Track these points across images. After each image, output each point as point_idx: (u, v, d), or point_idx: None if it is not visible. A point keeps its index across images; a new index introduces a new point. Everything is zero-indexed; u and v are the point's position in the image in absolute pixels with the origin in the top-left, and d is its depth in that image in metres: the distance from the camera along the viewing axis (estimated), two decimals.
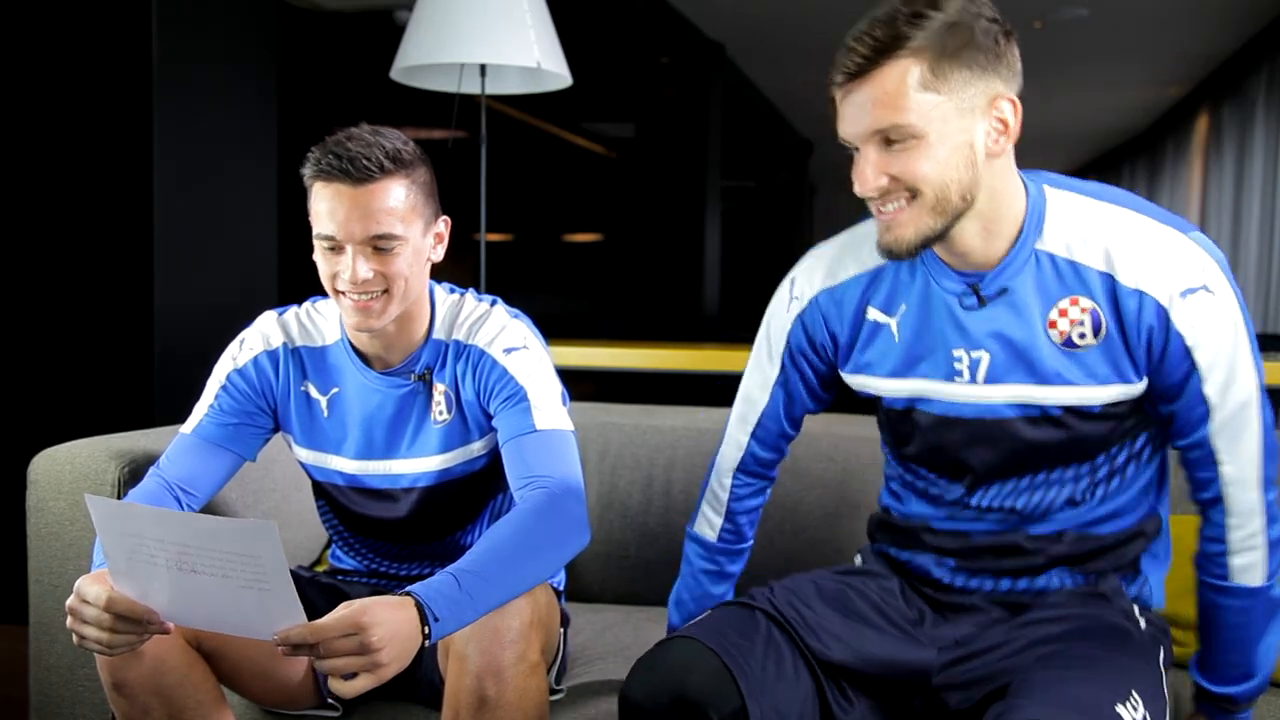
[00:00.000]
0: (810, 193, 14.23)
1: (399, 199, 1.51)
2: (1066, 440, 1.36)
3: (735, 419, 1.61)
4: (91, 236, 2.86)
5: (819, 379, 1.53)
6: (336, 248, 1.51)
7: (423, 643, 1.26)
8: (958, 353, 1.36)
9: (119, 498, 1.73)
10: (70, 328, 2.89)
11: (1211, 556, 1.39)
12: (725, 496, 1.62)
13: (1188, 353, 1.28)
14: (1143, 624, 1.43)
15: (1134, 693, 1.28)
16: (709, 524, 1.64)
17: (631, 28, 6.89)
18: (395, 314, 1.55)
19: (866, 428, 1.69)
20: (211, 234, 3.02)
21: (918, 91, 1.22)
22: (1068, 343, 1.32)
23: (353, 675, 1.22)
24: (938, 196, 1.25)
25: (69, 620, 1.31)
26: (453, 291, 1.69)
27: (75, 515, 1.77)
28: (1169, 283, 1.27)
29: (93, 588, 1.30)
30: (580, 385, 2.77)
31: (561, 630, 1.68)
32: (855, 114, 1.25)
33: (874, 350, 1.43)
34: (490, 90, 2.74)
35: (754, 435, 1.58)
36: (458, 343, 1.63)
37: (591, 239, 9.81)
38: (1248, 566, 1.35)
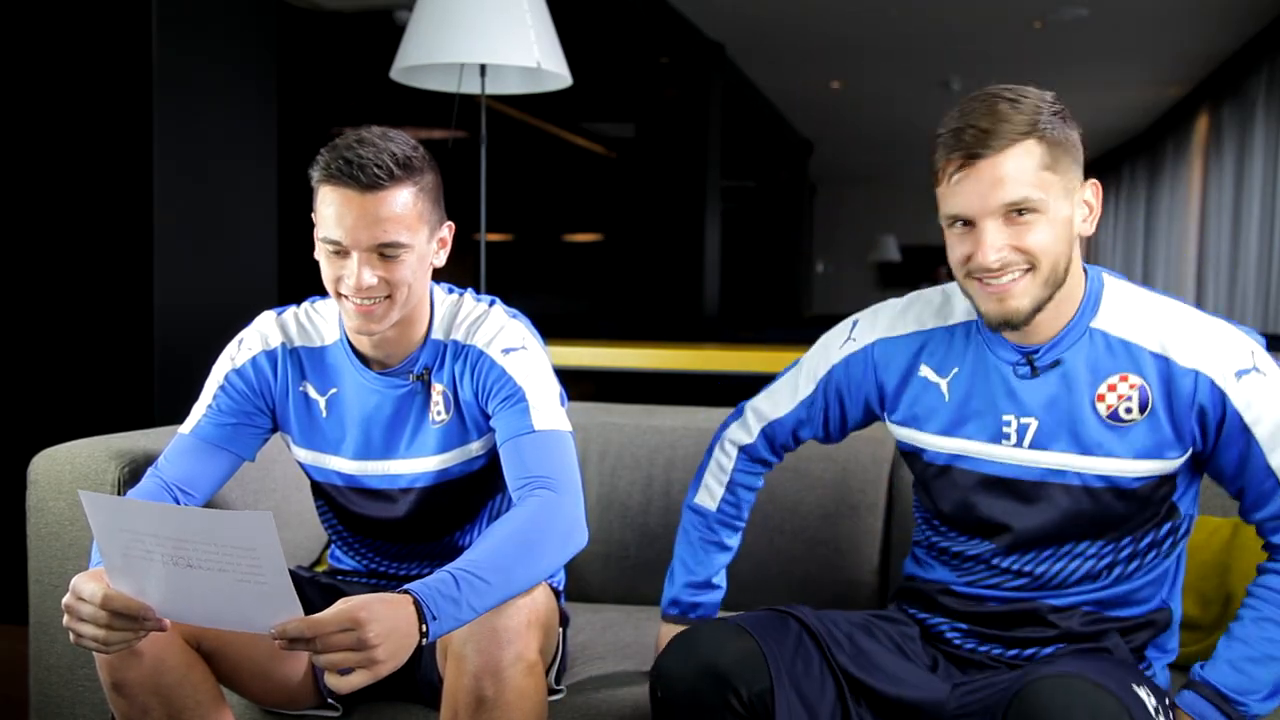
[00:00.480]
0: (810, 193, 14.23)
1: (406, 206, 1.50)
2: (1098, 513, 1.42)
3: (754, 407, 1.70)
4: (91, 236, 2.86)
5: (840, 418, 1.63)
6: (342, 252, 1.50)
7: (420, 641, 1.26)
8: (1007, 418, 1.44)
9: (118, 497, 1.73)
10: (70, 328, 2.89)
11: None
12: (730, 467, 1.69)
13: (1246, 429, 1.36)
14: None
15: (1146, 687, 1.33)
16: (710, 494, 1.70)
17: (631, 28, 6.89)
18: (396, 319, 1.55)
19: (866, 428, 1.69)
20: (211, 234, 3.02)
21: (1042, 170, 1.32)
22: (1113, 416, 1.40)
23: (349, 670, 1.22)
24: (1052, 268, 1.34)
25: (65, 619, 1.31)
26: (451, 291, 1.69)
27: (75, 515, 1.77)
28: (1223, 364, 1.36)
29: (89, 585, 1.30)
30: (580, 385, 2.77)
31: (561, 630, 1.67)
32: (982, 190, 1.31)
33: (922, 405, 1.51)
34: (490, 90, 2.74)
35: (763, 431, 1.67)
36: (456, 343, 1.63)
37: (591, 239, 9.81)
38: None
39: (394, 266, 1.51)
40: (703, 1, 6.61)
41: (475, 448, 1.65)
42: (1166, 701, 1.38)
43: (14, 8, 2.89)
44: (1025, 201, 1.31)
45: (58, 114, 2.87)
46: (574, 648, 1.81)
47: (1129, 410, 1.39)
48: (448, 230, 1.62)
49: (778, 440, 1.68)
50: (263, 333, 1.68)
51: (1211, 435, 1.38)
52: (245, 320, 1.72)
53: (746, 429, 1.69)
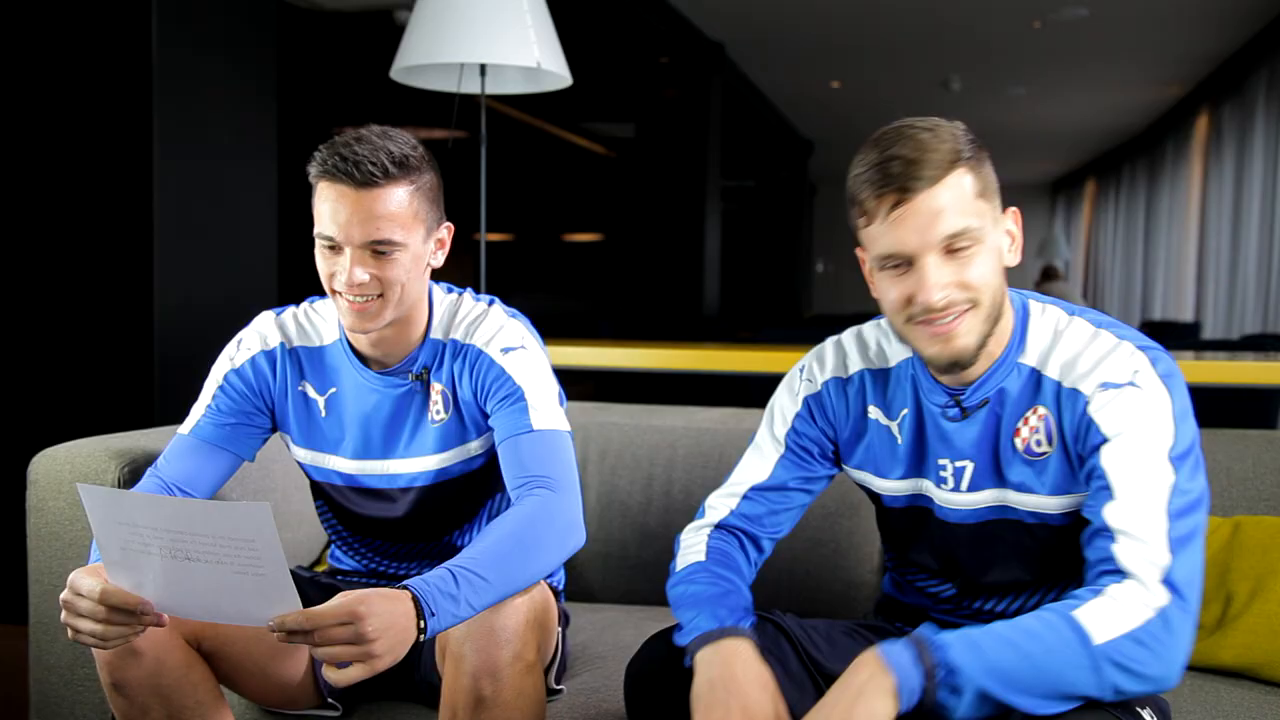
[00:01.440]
0: (810, 192, 14.24)
1: (401, 205, 1.50)
2: (1046, 551, 1.37)
3: (718, 493, 1.52)
4: (91, 237, 2.86)
5: (816, 463, 1.50)
6: (335, 248, 1.51)
7: (419, 637, 1.26)
8: (943, 462, 1.39)
9: None
10: (70, 328, 2.89)
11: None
12: (699, 543, 1.48)
13: (1100, 439, 1.25)
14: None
15: (1149, 708, 1.31)
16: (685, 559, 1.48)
17: (631, 28, 6.89)
18: (391, 318, 1.55)
19: None
20: (211, 234, 3.02)
21: (976, 198, 1.26)
22: (1028, 450, 1.33)
23: (347, 664, 1.22)
24: (992, 301, 1.28)
25: (63, 614, 1.31)
26: (451, 291, 1.69)
27: (75, 515, 1.77)
28: (1098, 379, 1.28)
29: (86, 580, 1.30)
30: (580, 385, 2.77)
31: (561, 630, 1.68)
32: (921, 224, 1.23)
33: (878, 450, 1.45)
34: (490, 90, 2.74)
35: (738, 509, 1.49)
36: (455, 342, 1.63)
37: (591, 239, 9.81)
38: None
39: (387, 264, 1.50)
40: (703, 1, 6.61)
41: (474, 447, 1.65)
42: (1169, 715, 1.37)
43: (14, 8, 2.89)
44: (966, 232, 1.24)
45: (58, 114, 2.87)
46: (574, 648, 1.81)
47: (1039, 444, 1.32)
48: (446, 231, 1.62)
49: (757, 516, 1.49)
50: (261, 333, 1.68)
51: (1085, 455, 1.28)
52: (245, 320, 1.72)
53: (714, 511, 1.51)
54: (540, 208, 9.22)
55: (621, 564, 2.17)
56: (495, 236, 8.18)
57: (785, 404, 1.50)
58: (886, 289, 1.29)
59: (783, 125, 10.88)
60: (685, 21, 7.00)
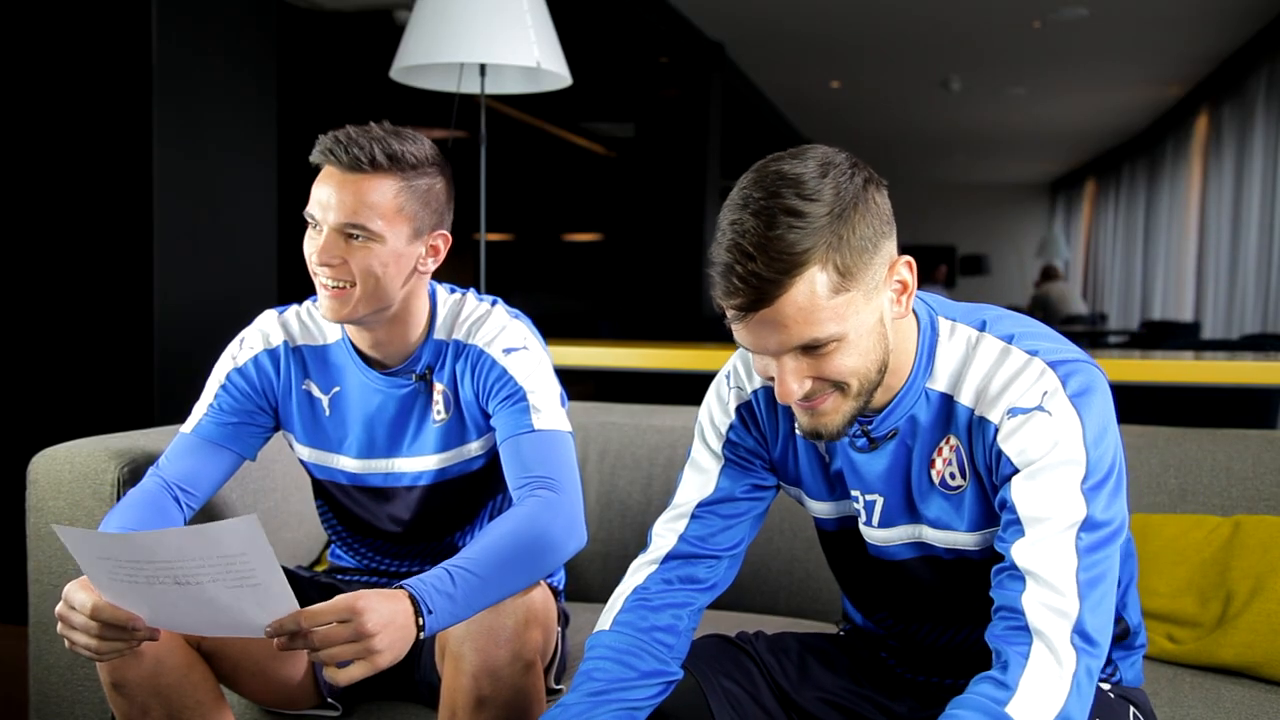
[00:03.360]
0: None
1: (384, 197, 1.50)
2: (970, 584, 1.29)
3: (663, 517, 1.41)
4: (91, 237, 2.86)
5: (762, 472, 1.41)
6: (316, 226, 1.52)
7: (417, 635, 1.26)
8: (855, 493, 1.32)
9: (118, 497, 1.73)
10: (70, 328, 2.89)
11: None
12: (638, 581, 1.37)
13: (1009, 468, 1.18)
14: (1111, 694, 1.37)
15: (1133, 707, 1.31)
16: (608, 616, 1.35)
17: (631, 28, 6.89)
18: (364, 312, 1.54)
19: None
20: (211, 234, 3.02)
21: (829, 299, 1.12)
22: (943, 484, 1.26)
23: (348, 663, 1.22)
24: (863, 383, 1.19)
25: (59, 626, 1.31)
26: (453, 291, 1.69)
27: (75, 515, 1.77)
28: (1005, 403, 1.19)
29: (79, 594, 1.30)
30: (580, 385, 2.77)
31: (561, 630, 1.68)
32: (765, 333, 1.13)
33: (806, 469, 1.37)
34: (490, 90, 2.74)
35: (686, 530, 1.37)
36: (457, 342, 1.63)
37: (591, 239, 9.81)
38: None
39: (359, 252, 1.50)
40: (703, 1, 6.61)
41: (474, 448, 1.65)
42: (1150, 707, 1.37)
43: (14, 7, 2.89)
44: (815, 341, 1.13)
45: (58, 114, 2.87)
46: (574, 647, 1.81)
47: (954, 476, 1.25)
48: (442, 240, 1.59)
49: (709, 535, 1.37)
50: (264, 331, 1.68)
51: (996, 486, 1.21)
52: (245, 320, 1.72)
53: (662, 540, 1.38)
54: (540, 208, 9.23)
55: (621, 564, 2.17)
56: (495, 236, 8.18)
57: (717, 416, 1.40)
58: (754, 361, 1.21)
59: (783, 125, 10.88)
60: (685, 21, 7.00)
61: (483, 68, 2.68)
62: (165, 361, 2.85)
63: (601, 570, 2.19)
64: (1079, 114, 10.40)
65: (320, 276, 1.52)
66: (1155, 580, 1.84)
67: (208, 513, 1.86)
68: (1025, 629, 1.12)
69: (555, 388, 1.61)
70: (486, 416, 1.62)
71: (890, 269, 1.18)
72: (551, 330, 2.12)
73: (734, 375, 1.40)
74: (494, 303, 1.68)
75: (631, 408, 2.33)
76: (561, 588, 1.79)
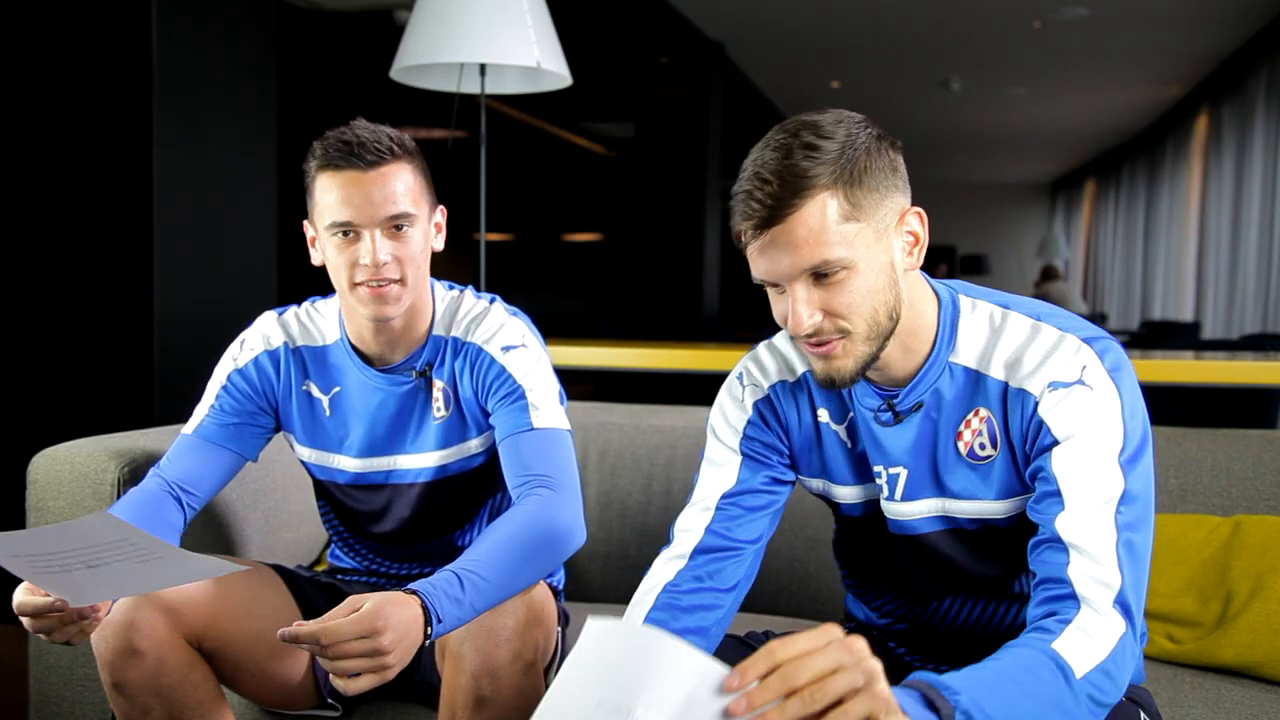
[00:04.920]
0: None
1: (408, 182, 1.53)
2: (990, 555, 1.33)
3: (685, 516, 1.42)
4: (91, 237, 2.86)
5: (780, 468, 1.43)
6: (353, 234, 1.51)
7: (423, 643, 1.26)
8: (877, 468, 1.35)
9: (118, 497, 1.73)
10: (70, 328, 2.89)
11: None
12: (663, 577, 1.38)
13: (1050, 441, 1.21)
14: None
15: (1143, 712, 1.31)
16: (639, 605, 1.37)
17: (631, 28, 6.89)
18: (408, 303, 1.56)
19: None
20: (211, 234, 3.02)
21: (842, 223, 1.18)
22: (972, 454, 1.29)
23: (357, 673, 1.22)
24: (870, 325, 1.22)
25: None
26: (451, 288, 1.69)
27: (75, 515, 1.77)
28: (1045, 378, 1.23)
29: (16, 596, 1.32)
30: (580, 385, 2.77)
31: (561, 630, 1.68)
32: (779, 255, 1.19)
33: (830, 457, 1.40)
34: (490, 90, 2.74)
35: (718, 509, 1.40)
36: (456, 340, 1.63)
37: (591, 239, 9.81)
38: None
39: (404, 242, 1.52)
40: (703, 1, 6.61)
41: (474, 445, 1.65)
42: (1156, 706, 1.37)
43: (14, 8, 2.89)
44: (826, 265, 1.18)
45: (58, 114, 2.87)
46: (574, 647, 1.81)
47: (983, 446, 1.28)
48: (441, 215, 1.64)
49: (736, 527, 1.38)
50: (264, 333, 1.68)
51: (1031, 456, 1.24)
52: (245, 320, 1.72)
53: (688, 535, 1.40)
54: (540, 208, 9.23)
55: (621, 564, 2.17)
56: (495, 236, 8.19)
57: (732, 414, 1.42)
58: (772, 304, 1.26)
59: None
60: (685, 21, 7.00)
61: (483, 68, 2.68)
62: (165, 361, 2.85)
63: (601, 570, 2.19)
64: (1079, 114, 10.41)
65: (365, 281, 1.52)
66: (1155, 580, 1.84)
67: (209, 513, 1.86)
68: (1073, 596, 1.14)
69: (554, 385, 1.62)
70: (486, 414, 1.62)
71: (901, 218, 1.23)
72: (551, 330, 2.13)
73: (748, 374, 1.43)
74: (492, 300, 1.68)
75: (631, 408, 2.33)
76: (561, 588, 1.79)
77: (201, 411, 1.65)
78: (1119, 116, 10.54)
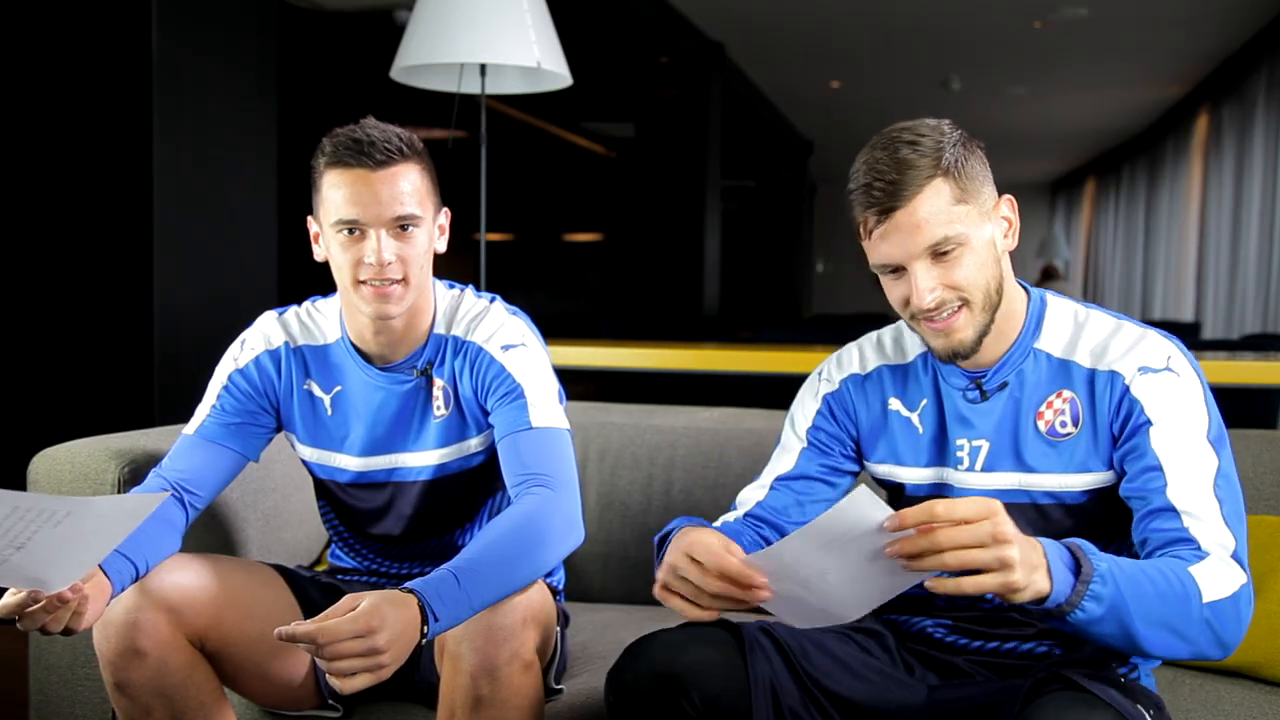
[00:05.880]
0: (810, 192, 14.23)
1: (415, 183, 1.53)
2: (1051, 532, 1.36)
3: (748, 488, 1.57)
4: (91, 237, 2.86)
5: (840, 458, 1.55)
6: (359, 232, 1.51)
7: (420, 641, 1.26)
8: (960, 441, 1.45)
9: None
10: (70, 328, 2.89)
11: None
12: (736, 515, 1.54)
13: (1144, 422, 1.34)
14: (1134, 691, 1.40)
15: (1150, 710, 1.31)
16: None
17: (631, 28, 6.89)
18: (410, 303, 1.56)
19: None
20: (211, 234, 3.02)
21: (954, 205, 1.33)
22: (1051, 432, 1.41)
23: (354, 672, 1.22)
24: (985, 296, 1.36)
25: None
26: (451, 287, 1.70)
27: None
28: (1134, 363, 1.36)
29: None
30: (580, 385, 2.77)
31: (561, 630, 1.68)
32: (901, 238, 1.33)
33: (900, 441, 1.51)
34: (490, 90, 2.74)
35: (765, 499, 1.53)
36: (456, 339, 1.63)
37: (591, 239, 9.81)
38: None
39: (408, 243, 1.53)
40: (703, 1, 6.61)
41: (474, 444, 1.65)
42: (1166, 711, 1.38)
43: (14, 8, 2.89)
44: (945, 241, 1.33)
45: (58, 114, 2.87)
46: (574, 647, 1.81)
47: (1064, 425, 1.40)
48: (445, 217, 1.64)
49: (783, 507, 1.52)
50: (265, 333, 1.68)
51: (1119, 432, 1.36)
52: (245, 320, 1.72)
53: (743, 505, 1.54)
54: (540, 208, 9.23)
55: (621, 564, 2.17)
56: (495, 236, 8.18)
57: (806, 403, 1.57)
58: (890, 290, 1.39)
59: (783, 125, 10.88)
60: (685, 21, 7.00)
61: (483, 68, 2.68)
62: (165, 361, 2.85)
63: (601, 570, 2.19)
64: (1079, 114, 10.40)
65: (369, 280, 1.52)
66: None
67: (209, 513, 1.86)
68: (1200, 548, 1.26)
69: (553, 385, 1.61)
70: (485, 413, 1.62)
71: (996, 204, 1.39)
72: (551, 330, 2.12)
73: (826, 370, 1.57)
74: (492, 300, 1.68)
75: (631, 408, 2.33)
76: (561, 588, 1.79)
77: (203, 411, 1.65)
78: (1119, 116, 10.54)
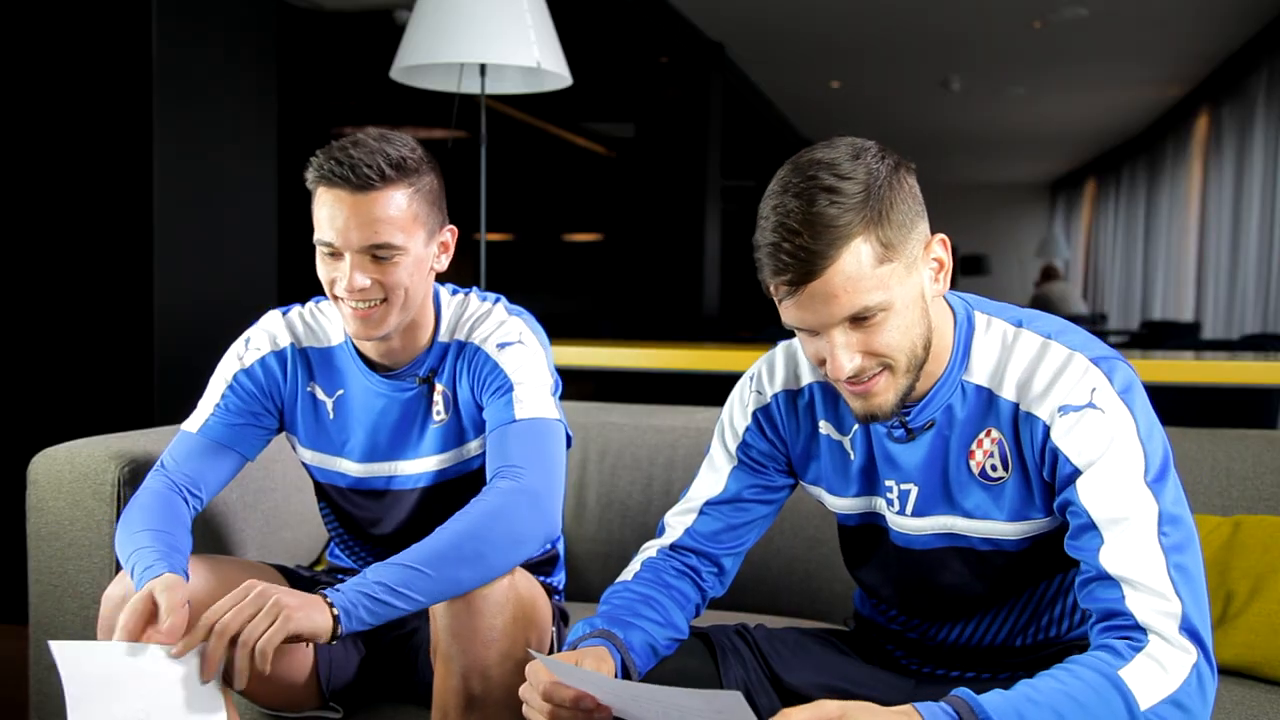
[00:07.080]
0: None
1: (400, 208, 1.48)
2: (997, 575, 1.32)
3: (674, 510, 1.49)
4: (91, 237, 2.86)
5: (774, 473, 1.46)
6: (335, 254, 1.50)
7: (334, 621, 1.28)
8: (889, 483, 1.34)
9: (118, 497, 1.73)
10: (70, 328, 2.89)
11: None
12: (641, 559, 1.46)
13: (1071, 471, 1.20)
14: None
15: None
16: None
17: (631, 28, 6.89)
18: (396, 323, 1.54)
19: None
20: (211, 234, 3.02)
21: (877, 267, 1.16)
22: (984, 474, 1.29)
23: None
24: (910, 356, 1.22)
25: None
26: (456, 292, 1.69)
27: (75, 515, 1.77)
28: (1054, 400, 1.22)
29: None
30: (580, 385, 2.77)
31: (556, 628, 1.67)
32: (815, 307, 1.17)
33: (829, 466, 1.40)
34: (490, 90, 2.74)
35: (693, 526, 1.45)
36: (459, 342, 1.63)
37: (591, 239, 9.81)
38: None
39: (388, 269, 1.49)
40: (703, 1, 6.61)
41: (473, 447, 1.65)
42: None
43: (14, 8, 2.89)
44: (865, 310, 1.17)
45: (58, 114, 2.87)
46: None
47: (994, 468, 1.28)
48: (449, 235, 1.60)
49: (714, 533, 1.44)
50: (271, 333, 1.67)
51: (1054, 482, 1.23)
52: (245, 320, 1.72)
53: (671, 530, 1.46)
54: (540, 208, 9.23)
55: (621, 564, 2.17)
56: (495, 236, 8.19)
57: (736, 418, 1.45)
58: (804, 345, 1.25)
59: (783, 125, 10.88)
60: (685, 21, 7.00)
61: (483, 68, 2.68)
62: (165, 361, 2.85)
63: (601, 570, 2.19)
64: (1079, 114, 10.40)
65: (347, 301, 1.51)
66: None
67: (209, 513, 1.86)
68: (1138, 627, 1.12)
69: (546, 379, 1.60)
70: (482, 413, 1.61)
71: (926, 247, 1.22)
72: (552, 330, 2.12)
73: (756, 379, 1.44)
74: (495, 301, 1.67)
75: (631, 408, 2.33)
76: (561, 587, 1.79)
77: (206, 410, 1.64)
78: (1119, 116, 10.53)
